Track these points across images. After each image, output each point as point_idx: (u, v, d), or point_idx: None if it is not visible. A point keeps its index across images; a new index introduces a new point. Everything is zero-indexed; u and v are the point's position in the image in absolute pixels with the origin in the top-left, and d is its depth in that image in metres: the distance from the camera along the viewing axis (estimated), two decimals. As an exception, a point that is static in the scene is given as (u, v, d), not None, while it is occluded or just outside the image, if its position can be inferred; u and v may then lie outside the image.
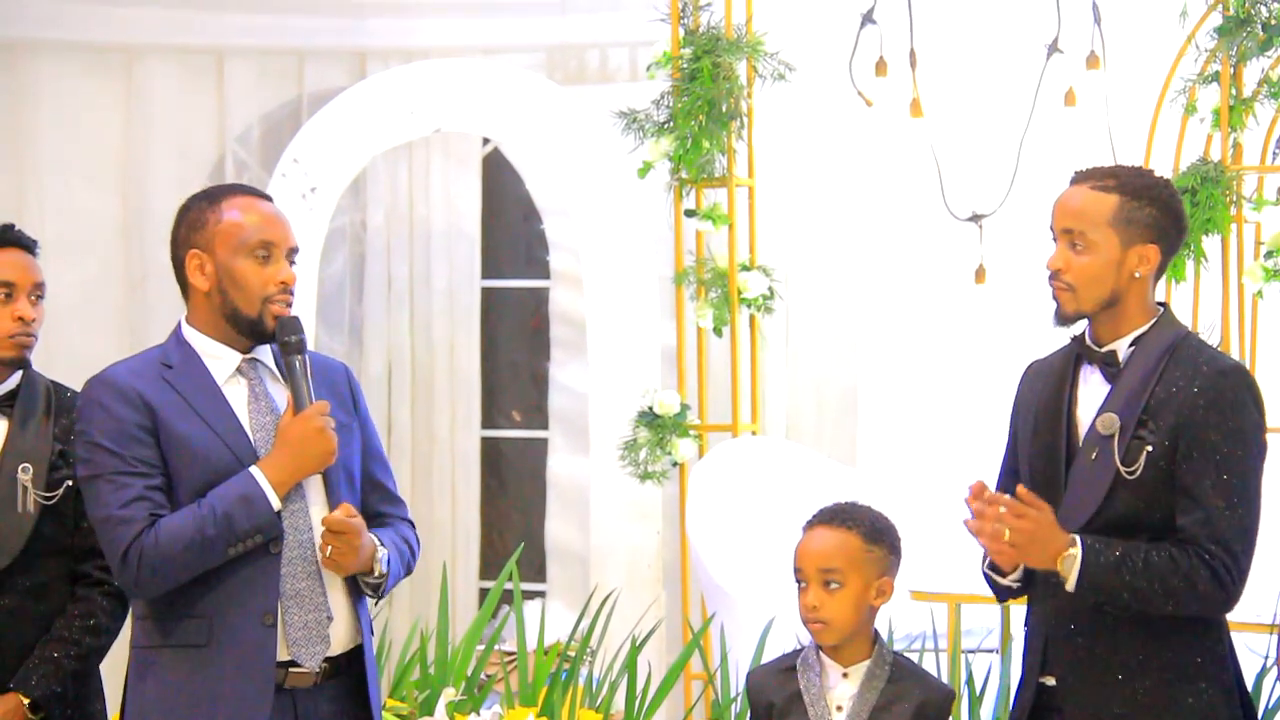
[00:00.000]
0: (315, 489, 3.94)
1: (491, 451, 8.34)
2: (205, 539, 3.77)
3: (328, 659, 3.91)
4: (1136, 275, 3.90)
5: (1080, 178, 3.97)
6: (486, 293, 8.25)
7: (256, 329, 3.94)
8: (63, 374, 4.58)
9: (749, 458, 6.76)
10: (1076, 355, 3.99)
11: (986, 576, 4.02)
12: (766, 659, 5.36)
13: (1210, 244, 6.53)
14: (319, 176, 7.38)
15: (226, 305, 3.94)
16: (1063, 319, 3.96)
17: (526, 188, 7.98)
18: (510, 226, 8.40)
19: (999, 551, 3.86)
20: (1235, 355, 6.50)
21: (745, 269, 7.04)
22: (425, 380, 8.09)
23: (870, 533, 4.04)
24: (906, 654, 5.82)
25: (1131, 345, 3.92)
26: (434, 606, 6.32)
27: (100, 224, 7.91)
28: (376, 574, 3.95)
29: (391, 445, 8.01)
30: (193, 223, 3.99)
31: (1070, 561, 3.80)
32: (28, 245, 4.51)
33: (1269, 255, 6.58)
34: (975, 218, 7.26)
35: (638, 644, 5.88)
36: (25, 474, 4.29)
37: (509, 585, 6.03)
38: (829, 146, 7.58)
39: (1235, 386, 3.86)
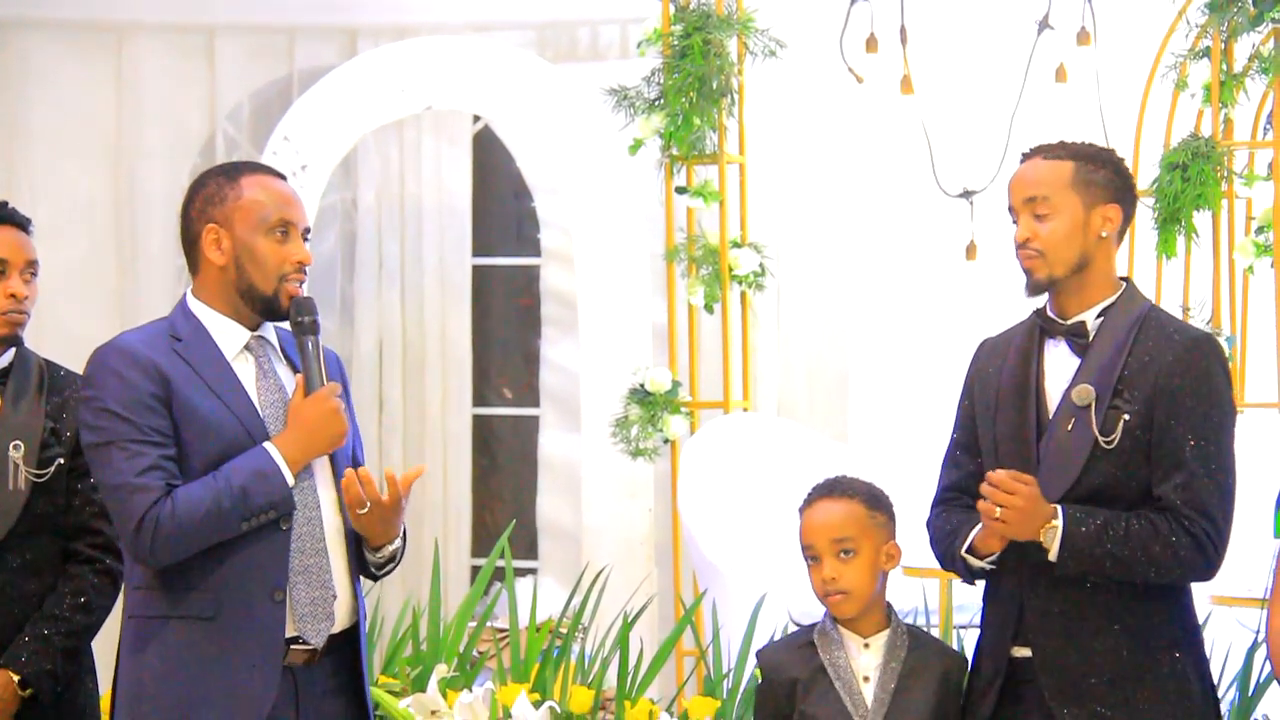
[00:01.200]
0: (322, 467, 3.94)
1: (483, 429, 8.34)
2: (221, 511, 3.77)
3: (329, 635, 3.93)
4: (1103, 235, 3.95)
5: (1031, 153, 4.05)
6: (477, 270, 8.25)
7: (271, 306, 3.94)
8: (54, 352, 4.58)
9: (741, 435, 6.76)
10: (1040, 329, 4.01)
11: (959, 561, 4.02)
12: (758, 635, 5.37)
13: (1201, 219, 6.53)
14: (309, 154, 7.36)
15: (242, 281, 3.93)
16: (1035, 287, 3.99)
17: (517, 165, 7.97)
18: (501, 204, 8.39)
19: (992, 531, 3.89)
20: (1226, 331, 6.52)
21: (736, 246, 7.03)
22: (416, 358, 8.09)
23: (870, 499, 4.08)
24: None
25: (1099, 317, 3.95)
26: (426, 583, 6.33)
27: (91, 202, 7.90)
28: (394, 546, 3.98)
29: (383, 423, 8.02)
30: (210, 197, 3.96)
31: (1053, 532, 3.83)
32: (21, 223, 4.51)
33: (1259, 231, 6.60)
34: (966, 194, 7.26)
35: (630, 620, 5.88)
36: (17, 451, 4.29)
37: (501, 562, 6.03)
38: (820, 123, 7.58)
39: (1208, 355, 3.91)
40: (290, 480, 3.83)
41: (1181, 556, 3.80)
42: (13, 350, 4.45)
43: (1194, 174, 6.42)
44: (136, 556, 3.83)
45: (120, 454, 3.80)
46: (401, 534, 4.01)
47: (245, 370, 3.94)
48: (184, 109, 8.00)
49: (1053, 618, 3.90)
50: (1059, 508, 3.84)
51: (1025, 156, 4.05)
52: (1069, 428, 3.90)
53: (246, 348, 3.96)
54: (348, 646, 3.98)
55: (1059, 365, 3.98)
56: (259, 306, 3.94)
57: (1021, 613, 3.95)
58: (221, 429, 3.84)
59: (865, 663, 4.00)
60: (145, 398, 3.81)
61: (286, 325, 4.00)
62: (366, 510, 3.87)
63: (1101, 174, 3.96)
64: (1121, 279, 4.02)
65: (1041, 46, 7.08)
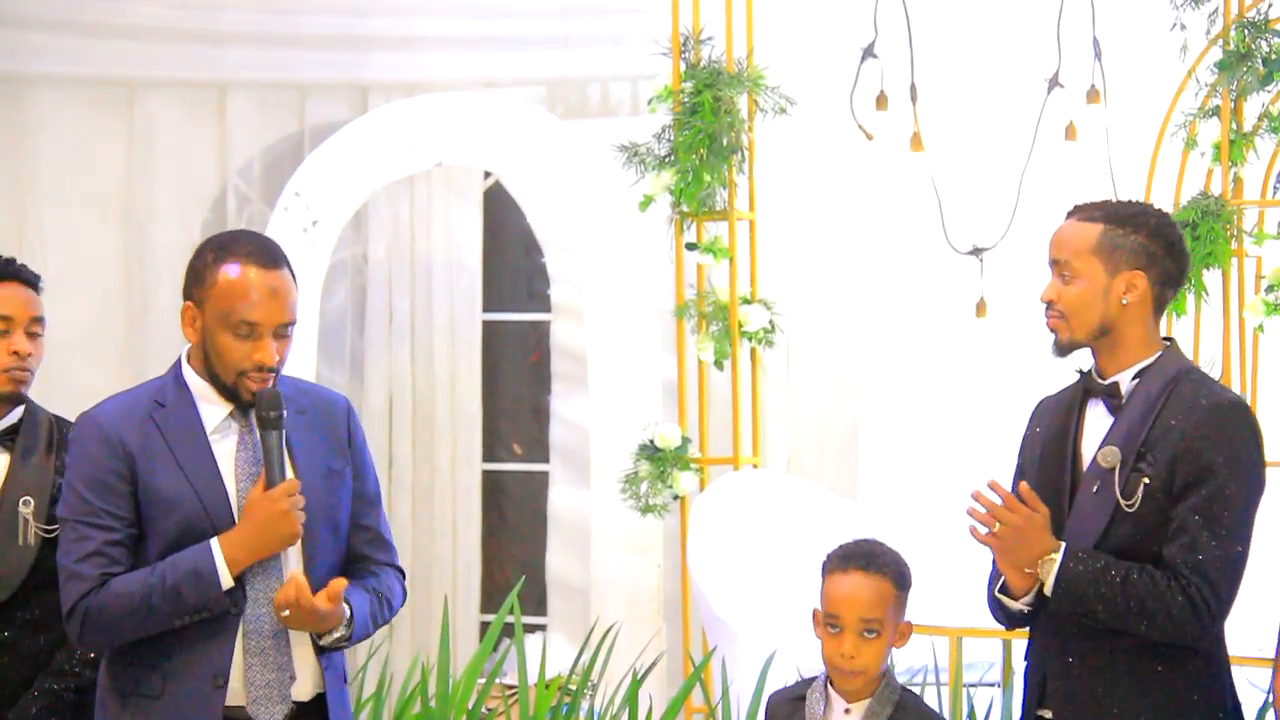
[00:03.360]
0: (294, 546, 3.94)
1: (492, 485, 8.33)
2: (150, 608, 3.80)
3: (295, 702, 3.93)
4: (1125, 302, 3.93)
5: (1072, 212, 4.03)
6: (488, 326, 8.25)
7: (232, 396, 3.93)
8: (64, 407, 4.58)
9: (750, 491, 6.75)
10: (1085, 390, 4.01)
11: (996, 600, 4.02)
12: (767, 692, 5.36)
13: (1211, 278, 6.53)
14: (320, 210, 7.38)
15: (208, 364, 3.94)
16: (1059, 348, 4.00)
17: (528, 221, 7.98)
18: (511, 260, 8.40)
19: (999, 555, 3.87)
20: (1236, 389, 6.50)
21: (746, 302, 7.04)
22: (426, 413, 8.09)
23: (899, 579, 4.06)
24: (909, 686, 5.81)
25: (1135, 378, 3.94)
26: (435, 640, 6.31)
27: (102, 257, 7.92)
28: (337, 635, 3.94)
29: (392, 478, 8.01)
30: (196, 273, 3.96)
31: (1050, 565, 3.82)
32: (29, 280, 4.51)
33: (1270, 289, 6.59)
34: (976, 251, 7.26)
35: (639, 677, 5.87)
36: (26, 507, 4.29)
37: (510, 618, 6.02)
38: (830, 180, 7.59)
39: (1234, 421, 3.88)
40: (227, 582, 3.83)
41: (1174, 615, 3.78)
42: (22, 407, 4.45)
43: (1204, 232, 6.43)
44: (71, 640, 3.94)
45: (71, 535, 3.87)
46: (347, 623, 3.94)
47: (227, 441, 3.95)
48: (195, 164, 8.03)
49: (1073, 681, 3.89)
50: (1063, 544, 3.83)
51: (1069, 214, 4.03)
52: (1094, 489, 3.90)
53: (230, 417, 3.96)
54: (317, 713, 3.98)
55: (1096, 425, 3.97)
56: (222, 392, 3.94)
57: (1045, 675, 3.94)
58: (181, 508, 3.86)
59: None
60: (107, 476, 3.86)
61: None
62: (287, 615, 3.86)
63: (1131, 239, 3.92)
64: (1165, 339, 4.00)
65: (1052, 104, 7.10)
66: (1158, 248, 3.95)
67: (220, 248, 3.96)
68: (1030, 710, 3.99)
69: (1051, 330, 3.98)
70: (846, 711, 3.99)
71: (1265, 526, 4.00)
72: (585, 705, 5.96)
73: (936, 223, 7.33)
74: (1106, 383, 3.96)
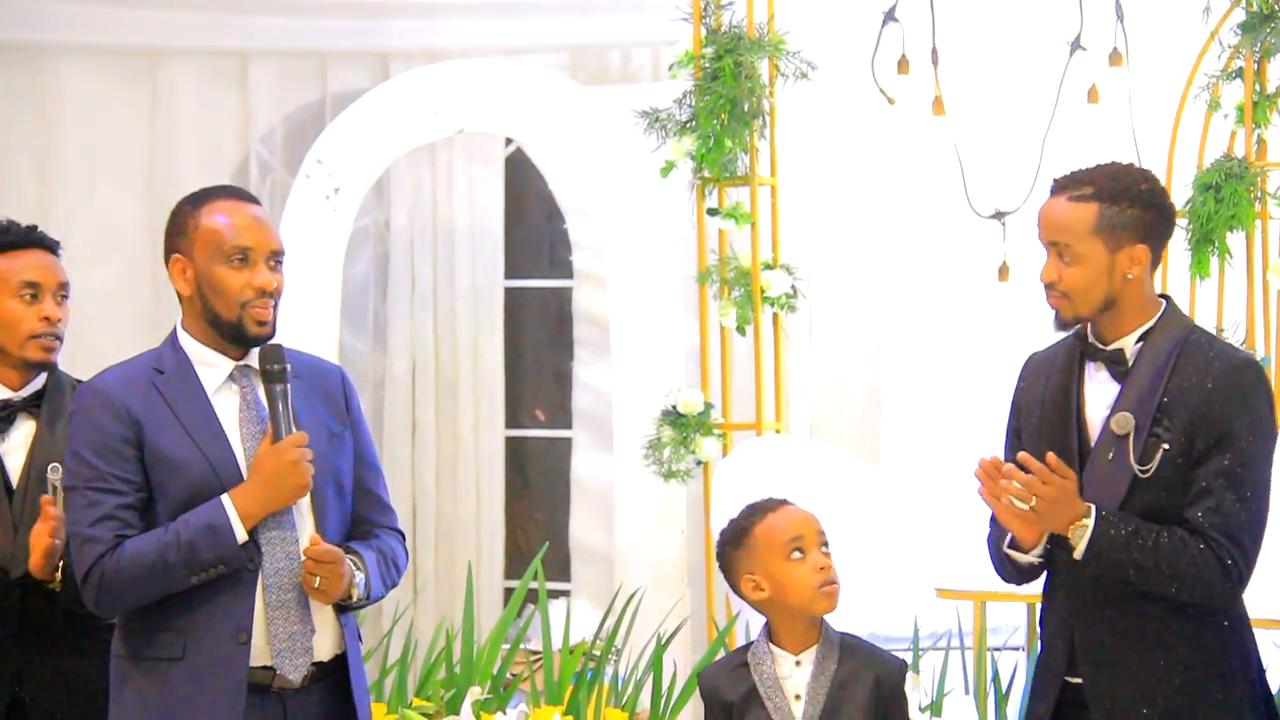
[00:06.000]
0: (303, 502, 3.95)
1: (516, 451, 8.34)
2: (167, 565, 3.81)
3: (315, 663, 3.94)
4: (1129, 276, 3.91)
5: (1058, 187, 3.97)
6: (510, 293, 8.26)
7: (238, 334, 3.95)
8: (88, 375, 4.59)
9: (773, 456, 6.76)
10: (1081, 352, 3.99)
11: (1004, 557, 4.01)
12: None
13: (1234, 240, 6.52)
14: (342, 177, 7.39)
15: (208, 311, 3.96)
16: (1063, 325, 3.98)
17: (549, 187, 7.99)
18: (533, 226, 8.41)
19: (1014, 518, 3.86)
20: (1260, 352, 6.49)
21: (768, 267, 7.03)
22: (449, 380, 8.10)
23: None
24: (931, 652, 5.84)
25: (1138, 342, 3.93)
26: (459, 606, 6.34)
27: (125, 226, 7.92)
28: (355, 599, 3.97)
29: (416, 445, 8.02)
30: (177, 227, 4.00)
31: (1082, 530, 3.82)
32: (50, 246, 4.54)
33: (1293, 251, 6.58)
34: (998, 215, 7.26)
35: (663, 643, 5.89)
36: (55, 474, 4.30)
37: (534, 584, 6.04)
38: (852, 145, 7.58)
39: (1249, 381, 3.88)
40: (241, 536, 3.85)
41: (1205, 578, 3.79)
42: (46, 373, 4.47)
43: (1227, 195, 6.41)
44: (87, 605, 3.92)
45: (80, 500, 3.89)
46: (363, 583, 3.97)
47: (228, 402, 3.97)
48: (217, 133, 8.03)
49: (1103, 647, 3.89)
50: (1093, 507, 3.83)
51: (1053, 188, 3.98)
52: (1109, 457, 3.88)
53: (230, 378, 3.98)
54: (340, 672, 4.00)
55: (1099, 391, 3.95)
56: (227, 334, 3.95)
57: (1073, 641, 3.94)
58: (190, 470, 3.88)
59: (797, 680, 3.95)
60: (114, 442, 3.88)
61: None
62: (318, 582, 3.88)
63: (1128, 214, 3.89)
64: (1161, 297, 3.99)
65: (1074, 67, 7.08)
66: (1153, 216, 3.92)
67: (195, 198, 4.02)
68: (1056, 674, 3.98)
69: (1054, 308, 3.95)
70: (798, 664, 3.98)
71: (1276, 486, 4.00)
72: (609, 671, 5.98)
73: (958, 187, 7.32)
74: (1109, 348, 3.95)
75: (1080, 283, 3.90)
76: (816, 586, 3.96)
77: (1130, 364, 3.92)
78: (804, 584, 3.96)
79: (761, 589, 3.99)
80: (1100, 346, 3.96)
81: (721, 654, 5.97)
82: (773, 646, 4.00)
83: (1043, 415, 4.00)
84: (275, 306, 3.98)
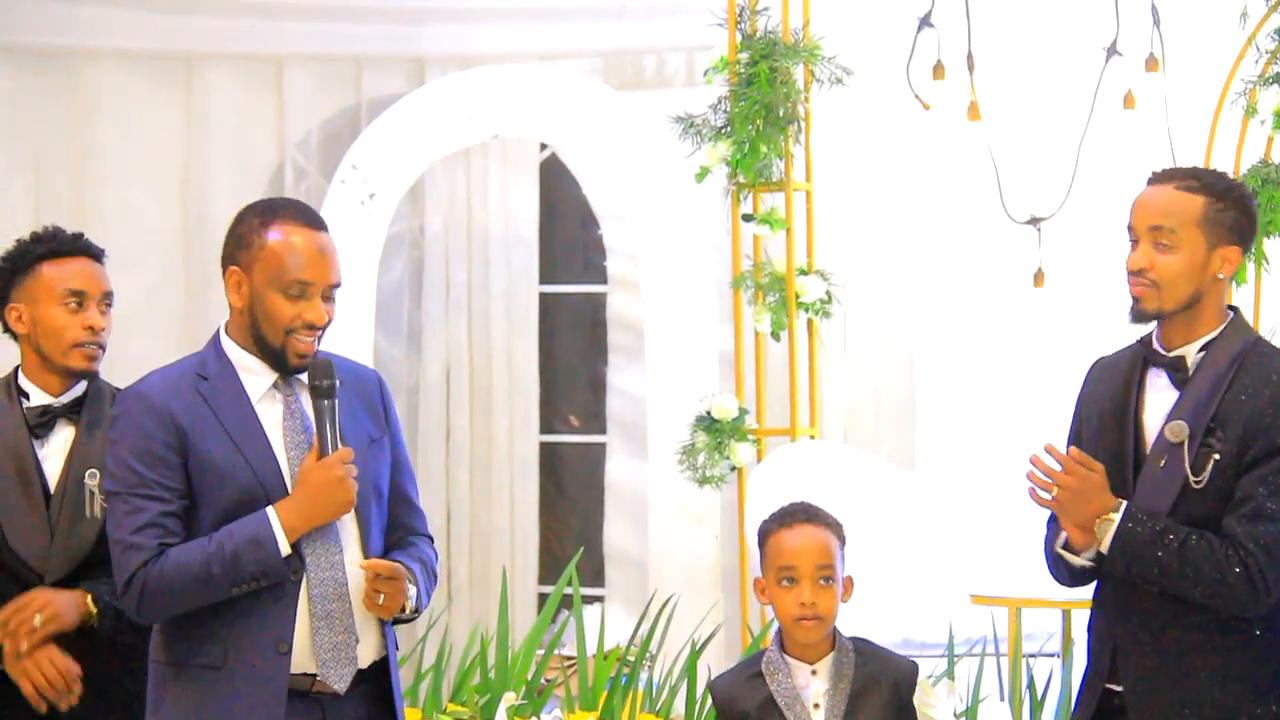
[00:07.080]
0: (347, 514, 3.96)
1: (550, 456, 8.35)
2: (210, 576, 3.82)
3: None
4: (1220, 277, 3.90)
5: (1162, 178, 3.96)
6: (544, 298, 8.27)
7: (277, 361, 3.96)
8: (124, 381, 4.60)
9: (807, 462, 6.75)
10: (1143, 358, 3.98)
11: (1057, 557, 4.00)
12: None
13: (1272, 246, 6.50)
14: (378, 183, 7.41)
15: (255, 328, 3.97)
16: (1140, 316, 3.95)
17: (584, 193, 7.99)
18: (568, 232, 8.41)
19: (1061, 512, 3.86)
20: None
21: (803, 273, 7.03)
22: (483, 385, 8.11)
23: (839, 530, 4.10)
24: (966, 658, 5.83)
25: (1201, 351, 3.91)
26: (494, 611, 6.34)
27: (161, 231, 7.95)
28: (408, 612, 4.00)
29: (450, 450, 8.03)
30: (240, 238, 4.01)
31: (1108, 525, 3.81)
32: (96, 254, 4.55)
33: (1330, 258, 6.56)
34: (1034, 221, 7.24)
35: (697, 648, 5.89)
36: (93, 479, 4.32)
37: (568, 590, 6.04)
38: (886, 150, 7.58)
39: None
40: (285, 550, 3.85)
41: (1229, 584, 3.77)
42: (85, 380, 4.48)
43: (1264, 200, 6.39)
44: (128, 612, 3.93)
45: (123, 507, 3.88)
46: (415, 597, 4.00)
47: (272, 411, 3.98)
48: (253, 138, 8.05)
49: (1146, 658, 3.88)
50: (1123, 503, 3.82)
51: (1155, 179, 3.97)
52: (1161, 464, 3.88)
53: (274, 387, 3.99)
54: (379, 678, 4.01)
55: (1159, 398, 3.95)
56: (268, 356, 3.96)
57: (1115, 649, 3.93)
58: (235, 478, 3.89)
59: (815, 690, 3.98)
60: (158, 448, 3.88)
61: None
62: (383, 600, 3.91)
63: (1230, 214, 3.90)
64: (1230, 308, 3.98)
65: (1110, 73, 7.05)
66: (1247, 224, 3.94)
67: (265, 212, 4.01)
68: (1097, 682, 3.97)
69: (1136, 298, 3.92)
70: (814, 673, 3.99)
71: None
72: (644, 676, 5.98)
73: (994, 192, 7.30)
74: (1171, 355, 3.94)
75: (1172, 272, 3.88)
76: (793, 619, 3.99)
77: (1191, 372, 3.91)
78: (784, 613, 4.03)
79: (767, 597, 4.09)
80: (1163, 353, 3.95)
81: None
82: (786, 657, 4.01)
83: (1102, 419, 4.00)
84: (320, 338, 3.98)
